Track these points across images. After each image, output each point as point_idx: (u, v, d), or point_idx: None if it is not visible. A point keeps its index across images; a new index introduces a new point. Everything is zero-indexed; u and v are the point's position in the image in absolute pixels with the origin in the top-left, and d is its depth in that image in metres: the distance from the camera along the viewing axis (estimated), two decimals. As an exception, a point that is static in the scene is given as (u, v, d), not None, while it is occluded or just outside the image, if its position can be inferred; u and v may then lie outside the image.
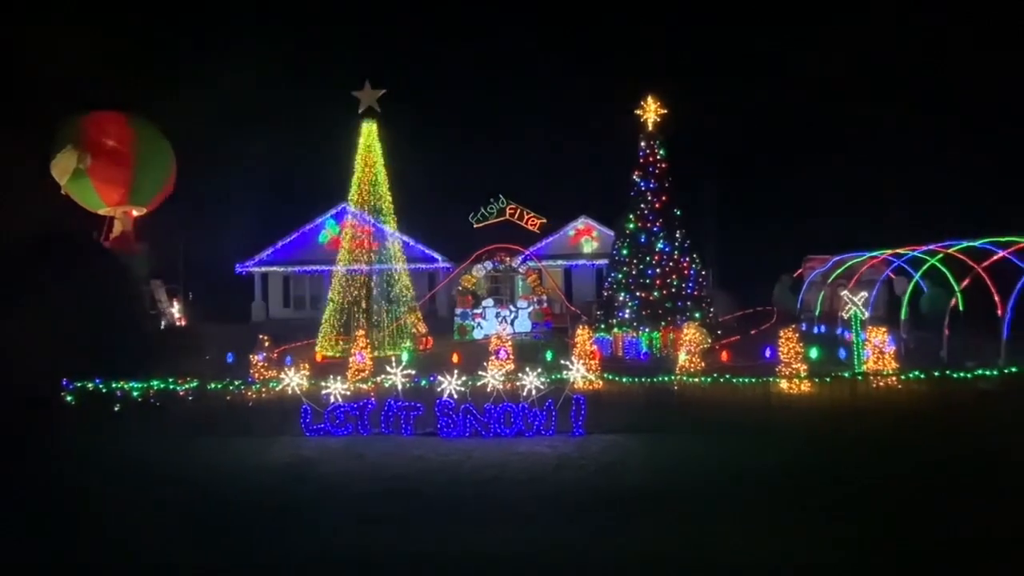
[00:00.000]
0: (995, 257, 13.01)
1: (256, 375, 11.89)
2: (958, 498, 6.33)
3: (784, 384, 10.69)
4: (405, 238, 28.09)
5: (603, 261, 23.19)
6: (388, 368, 9.38)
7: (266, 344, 12.57)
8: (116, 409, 9.99)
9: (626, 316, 17.99)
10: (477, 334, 19.99)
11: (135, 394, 9.91)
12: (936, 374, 9.84)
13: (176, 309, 21.71)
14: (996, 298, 13.00)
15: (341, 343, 17.35)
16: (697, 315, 17.37)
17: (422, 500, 6.76)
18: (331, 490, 7.18)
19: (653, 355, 15.86)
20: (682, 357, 12.34)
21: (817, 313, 18.40)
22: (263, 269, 30.75)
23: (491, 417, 8.93)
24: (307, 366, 11.82)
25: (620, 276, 18.75)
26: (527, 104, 46.86)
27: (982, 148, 28.68)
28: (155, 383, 9.86)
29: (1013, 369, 9.66)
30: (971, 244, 13.46)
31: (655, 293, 17.97)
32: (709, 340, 16.09)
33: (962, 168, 28.34)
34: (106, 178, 19.01)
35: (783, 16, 42.55)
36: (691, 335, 12.48)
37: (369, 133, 19.03)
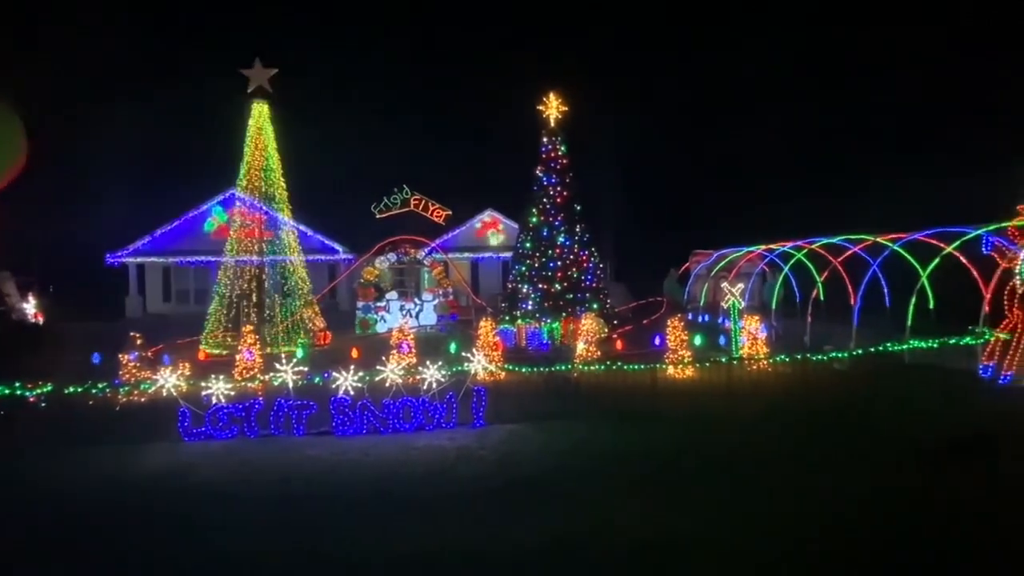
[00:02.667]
0: (848, 252, 14.70)
1: (127, 376, 10.77)
2: (819, 465, 7.07)
3: (671, 369, 11.41)
4: (302, 227, 26.67)
5: (509, 254, 23.44)
6: (278, 365, 8.86)
7: (138, 342, 11.40)
8: (-53, 421, 8.64)
9: (529, 307, 18.35)
10: (380, 328, 19.47)
11: (-28, 403, 8.61)
12: (799, 357, 10.98)
13: (30, 305, 19.13)
14: (850, 289, 14.70)
15: (229, 340, 16.17)
16: (595, 306, 18.10)
17: (317, 501, 6.47)
18: (214, 496, 6.68)
19: (554, 345, 16.30)
20: (580, 346, 12.79)
21: (702, 303, 19.84)
22: (139, 260, 27.90)
23: (390, 412, 8.73)
24: (188, 366, 10.89)
25: (524, 268, 19.08)
26: (434, 96, 46.28)
27: (840, 155, 32.30)
28: (-2, 389, 8.62)
29: (859, 352, 11.00)
30: (830, 240, 15.10)
31: (556, 285, 18.48)
32: (606, 330, 16.83)
33: (826, 171, 31.78)
34: (-64, 154, 16.26)
35: (680, 18, 45.19)
36: (588, 325, 12.96)
37: (260, 114, 17.81)
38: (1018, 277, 10.40)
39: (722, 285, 13.81)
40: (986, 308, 10.88)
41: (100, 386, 9.08)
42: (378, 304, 19.97)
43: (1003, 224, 10.66)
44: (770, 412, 9.29)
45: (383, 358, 10.31)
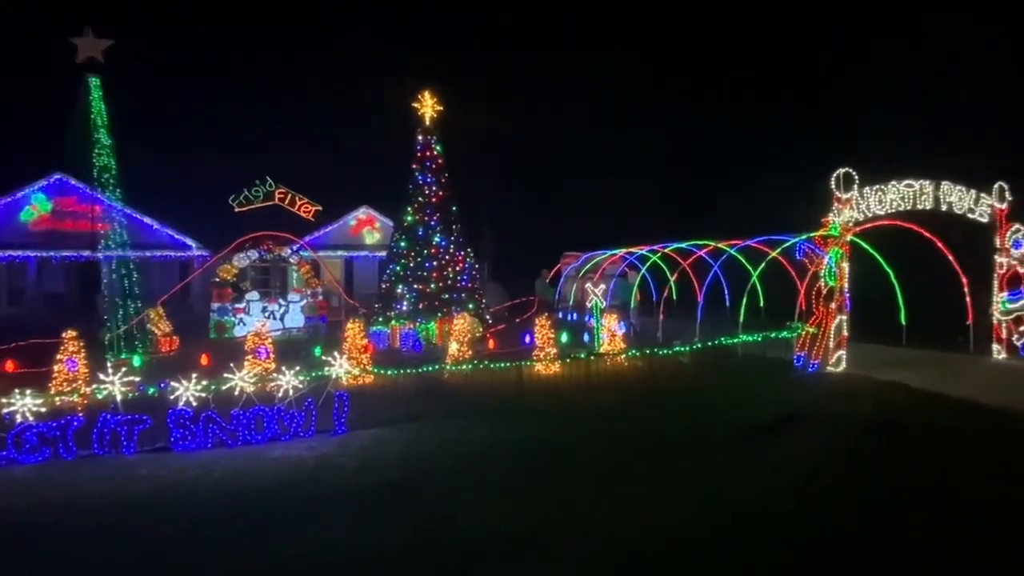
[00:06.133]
0: (694, 256, 16.30)
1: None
2: (661, 448, 7.72)
3: (538, 366, 11.86)
4: (148, 220, 23.99)
5: (385, 253, 22.90)
6: (102, 376, 7.82)
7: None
8: None
9: (404, 308, 18.03)
10: (239, 331, 18.01)
11: None
12: (647, 352, 11.97)
13: None
14: (696, 289, 16.29)
15: (49, 348, 14.01)
16: (471, 306, 18.25)
17: (147, 526, 5.80)
18: (14, 531, 5.74)
19: (429, 346, 16.19)
20: (452, 346, 12.83)
21: (571, 303, 20.87)
22: (-71, 254, 23.24)
23: (239, 424, 8.09)
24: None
25: (399, 268, 18.71)
26: (307, 85, 43.81)
27: (695, 165, 35.74)
28: None
29: (699, 345, 12.26)
30: (679, 245, 16.64)
31: (432, 285, 18.36)
32: (480, 329, 17.04)
33: (683, 179, 34.99)
34: None
35: (554, 22, 47.02)
36: (460, 325, 13.04)
37: (91, 90, 15.69)
38: (823, 279, 12.20)
39: (586, 286, 14.62)
40: (801, 305, 12.62)
41: None
42: (236, 305, 18.46)
43: (812, 234, 12.43)
44: (622, 403, 9.98)
45: (233, 365, 9.55)
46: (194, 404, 8.00)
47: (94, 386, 8.04)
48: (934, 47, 28.36)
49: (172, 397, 7.98)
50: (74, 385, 9.64)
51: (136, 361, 12.56)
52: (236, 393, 8.34)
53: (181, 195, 26.08)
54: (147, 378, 9.14)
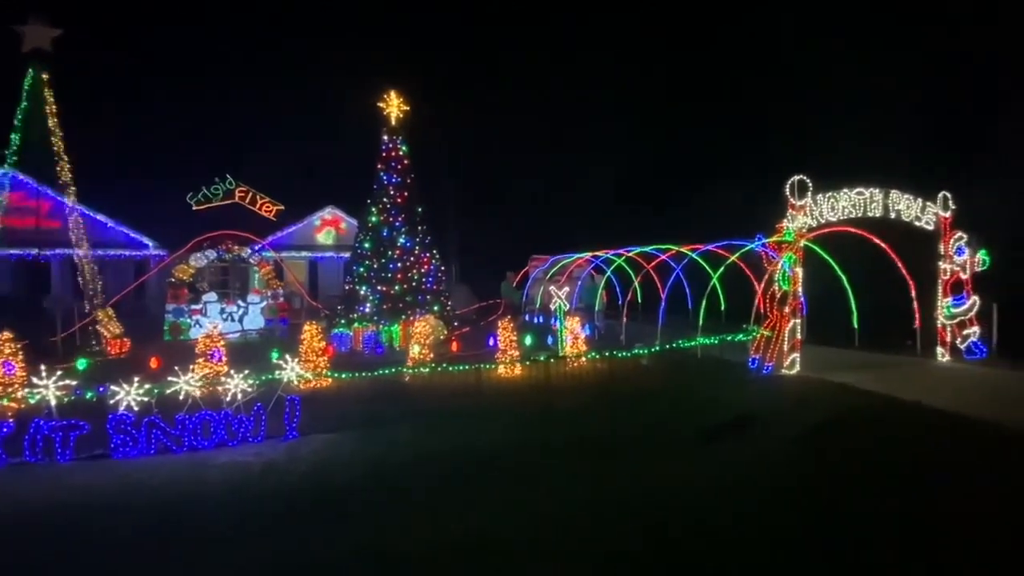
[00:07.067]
0: (658, 259, 16.49)
1: None
2: (616, 452, 7.75)
3: (500, 369, 11.81)
4: (100, 217, 23.13)
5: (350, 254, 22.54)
6: (36, 380, 7.46)
7: None
8: None
9: (367, 310, 17.79)
10: (195, 333, 17.49)
11: None
12: (607, 354, 12.05)
13: None
14: (660, 292, 16.47)
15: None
16: (436, 308, 18.12)
17: (83, 537, 5.55)
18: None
19: (391, 349, 15.99)
20: (415, 349, 12.69)
21: (538, 305, 20.90)
22: None
23: (185, 429, 7.83)
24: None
25: (362, 270, 18.47)
26: (269, 84, 42.95)
27: (653, 175, 36.31)
28: None
29: (657, 348, 12.39)
30: (644, 249, 16.81)
31: (396, 287, 18.17)
32: (444, 332, 16.92)
33: (646, 186, 35.49)
34: None
35: (523, 24, 47.14)
36: (422, 328, 12.91)
37: (38, 80, 15.08)
38: (777, 283, 12.47)
39: (549, 288, 14.65)
40: (759, 309, 12.87)
41: None
42: (192, 307, 17.93)
43: (767, 240, 12.70)
44: (580, 405, 10.00)
45: (178, 368, 9.24)
46: (136, 409, 7.70)
47: (26, 390, 7.67)
48: (888, 62, 29.46)
49: (112, 402, 7.67)
50: (9, 390, 9.20)
51: (80, 364, 12.06)
52: (182, 397, 8.07)
53: (138, 192, 25.27)
54: (90, 382, 8.77)
